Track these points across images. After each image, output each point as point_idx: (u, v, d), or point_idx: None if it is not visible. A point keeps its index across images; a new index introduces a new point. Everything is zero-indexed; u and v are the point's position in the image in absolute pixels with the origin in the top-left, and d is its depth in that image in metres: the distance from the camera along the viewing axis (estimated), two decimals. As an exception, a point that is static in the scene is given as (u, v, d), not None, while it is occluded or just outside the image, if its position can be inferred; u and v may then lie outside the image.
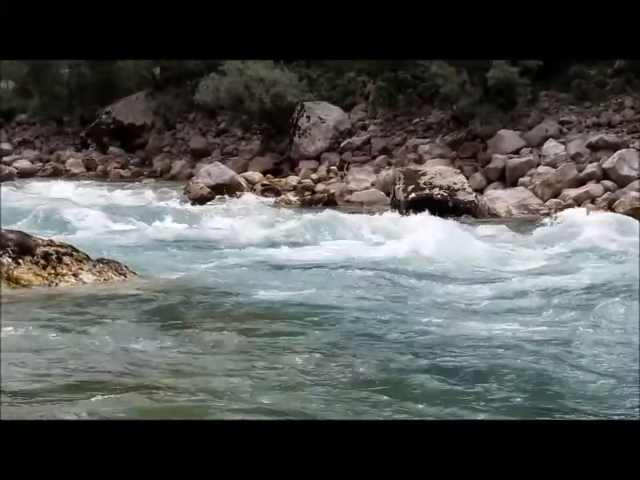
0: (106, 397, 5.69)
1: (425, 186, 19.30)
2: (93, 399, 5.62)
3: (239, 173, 24.44)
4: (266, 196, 22.93)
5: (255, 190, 23.83)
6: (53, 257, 10.02)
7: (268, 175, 25.57)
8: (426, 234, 13.73)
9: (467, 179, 20.68)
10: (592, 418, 4.99)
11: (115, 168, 30.59)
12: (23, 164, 31.33)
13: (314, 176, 24.84)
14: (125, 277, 10.28)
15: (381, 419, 5.09)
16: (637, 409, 5.31)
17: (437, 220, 15.65)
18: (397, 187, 19.83)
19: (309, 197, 22.60)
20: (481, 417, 5.28)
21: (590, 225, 14.86)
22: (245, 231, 15.50)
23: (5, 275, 9.53)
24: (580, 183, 20.58)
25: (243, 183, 23.53)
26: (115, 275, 10.21)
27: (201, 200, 21.33)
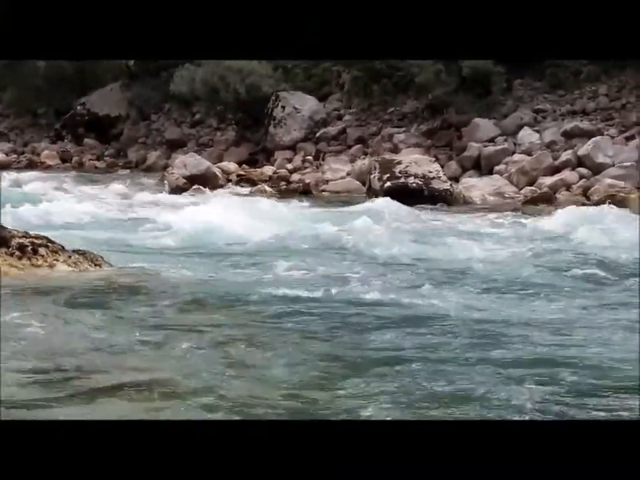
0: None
1: (400, 175, 19.41)
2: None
3: (214, 164, 24.37)
4: (242, 186, 22.90)
5: (230, 180, 23.81)
6: (29, 248, 9.98)
7: (243, 166, 25.49)
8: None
9: (442, 167, 20.77)
10: (592, 418, 5.05)
11: (90, 159, 30.46)
12: (-3, 156, 31.16)
13: (289, 166, 24.81)
14: (101, 267, 10.26)
15: (378, 419, 5.13)
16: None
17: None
18: (372, 176, 19.94)
19: (285, 186, 22.63)
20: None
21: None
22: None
23: (-20, 267, 9.51)
24: (555, 170, 20.74)
25: (218, 174, 23.48)
26: (90, 265, 10.19)
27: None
